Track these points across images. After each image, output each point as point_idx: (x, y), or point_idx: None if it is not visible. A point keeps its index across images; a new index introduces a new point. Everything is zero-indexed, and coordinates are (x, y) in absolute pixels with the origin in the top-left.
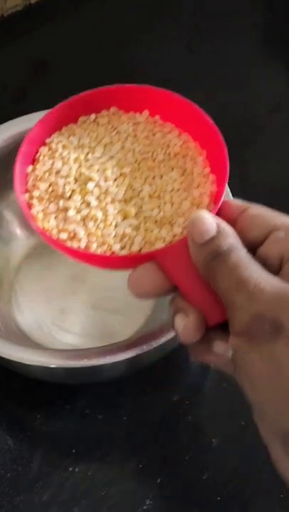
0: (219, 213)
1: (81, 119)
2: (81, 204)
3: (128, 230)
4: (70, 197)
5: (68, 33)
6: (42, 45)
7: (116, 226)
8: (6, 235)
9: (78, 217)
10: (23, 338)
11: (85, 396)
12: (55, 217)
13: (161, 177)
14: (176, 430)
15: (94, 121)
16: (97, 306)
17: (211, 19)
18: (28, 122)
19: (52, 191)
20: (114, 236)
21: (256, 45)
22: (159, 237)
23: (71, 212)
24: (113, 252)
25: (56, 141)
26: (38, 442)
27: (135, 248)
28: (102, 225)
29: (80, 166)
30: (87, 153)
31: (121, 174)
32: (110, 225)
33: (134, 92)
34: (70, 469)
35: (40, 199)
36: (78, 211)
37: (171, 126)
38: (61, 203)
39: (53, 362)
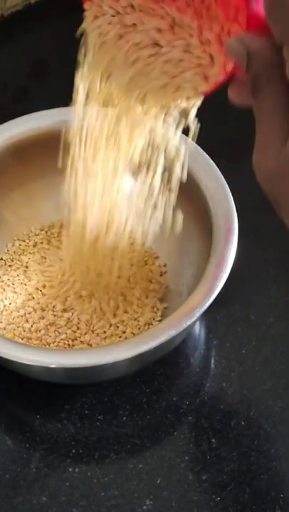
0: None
1: None
2: None
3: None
4: None
5: (68, 32)
6: (42, 45)
7: None
8: (6, 235)
9: None
10: None
11: (84, 396)
12: None
13: None
14: (176, 430)
15: None
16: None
17: None
18: (28, 122)
19: None
20: None
21: None
22: None
23: None
24: None
25: None
26: (37, 443)
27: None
28: None
29: None
30: None
31: None
32: None
33: None
34: (70, 470)
35: None
36: None
37: None
38: None
39: (53, 362)
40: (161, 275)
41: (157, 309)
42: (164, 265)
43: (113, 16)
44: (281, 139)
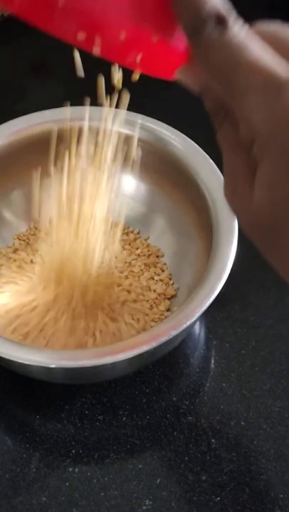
0: None
1: None
2: None
3: None
4: None
5: None
6: (42, 46)
7: None
8: (6, 235)
9: None
10: None
11: (84, 396)
12: None
13: None
14: (176, 431)
15: None
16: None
17: None
18: (28, 122)
19: None
20: None
21: None
22: None
23: None
24: None
25: None
26: (37, 443)
27: None
28: None
29: None
30: None
31: None
32: None
33: None
34: (69, 470)
35: None
36: None
37: None
38: None
39: (53, 362)
40: (162, 275)
41: (157, 310)
42: (164, 264)
43: None
44: (246, 178)
